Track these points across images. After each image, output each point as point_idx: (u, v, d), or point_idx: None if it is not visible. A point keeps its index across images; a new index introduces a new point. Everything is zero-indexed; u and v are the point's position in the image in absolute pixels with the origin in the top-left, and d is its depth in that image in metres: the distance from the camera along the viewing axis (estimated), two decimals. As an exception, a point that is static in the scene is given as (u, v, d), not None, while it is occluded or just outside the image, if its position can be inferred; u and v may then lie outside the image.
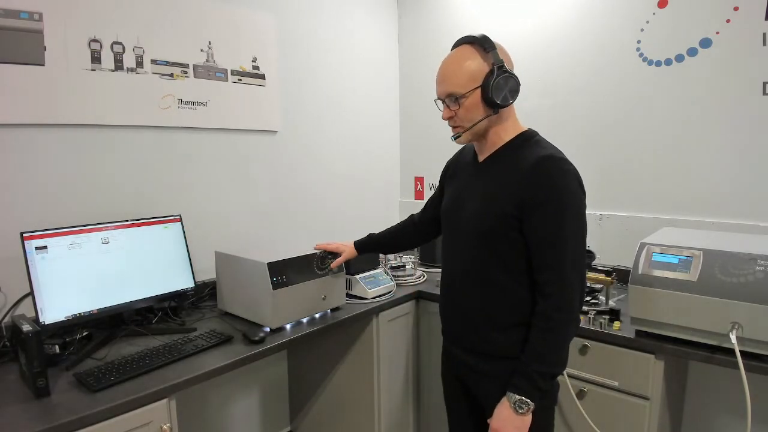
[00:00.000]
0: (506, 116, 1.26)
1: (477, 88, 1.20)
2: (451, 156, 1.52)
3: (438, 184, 1.58)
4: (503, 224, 1.21)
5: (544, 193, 1.16)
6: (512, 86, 1.21)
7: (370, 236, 1.80)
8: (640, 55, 2.09)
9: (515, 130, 1.28)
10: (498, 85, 1.18)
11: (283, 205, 2.39)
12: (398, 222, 1.79)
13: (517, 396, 1.17)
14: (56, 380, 1.31)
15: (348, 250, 1.80)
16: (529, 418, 1.19)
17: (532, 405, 1.17)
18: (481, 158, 1.32)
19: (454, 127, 1.28)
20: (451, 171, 1.48)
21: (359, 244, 1.80)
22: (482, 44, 1.20)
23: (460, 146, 1.46)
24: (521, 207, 1.18)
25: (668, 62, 2.02)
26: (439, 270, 2.36)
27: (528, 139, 1.26)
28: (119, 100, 1.78)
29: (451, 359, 1.44)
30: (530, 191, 1.17)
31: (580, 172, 1.20)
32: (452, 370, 1.45)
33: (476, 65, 1.20)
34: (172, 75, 1.91)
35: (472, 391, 1.38)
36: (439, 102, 1.28)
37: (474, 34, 1.23)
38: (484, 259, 1.26)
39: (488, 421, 1.25)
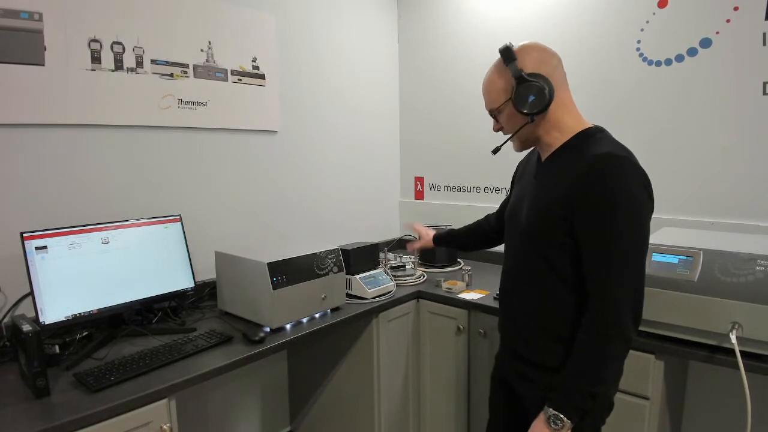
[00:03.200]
0: (556, 116, 1.19)
1: (508, 100, 1.18)
2: (521, 158, 1.46)
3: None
4: (553, 226, 1.14)
5: (594, 192, 1.06)
6: (536, 92, 1.14)
7: (449, 231, 1.92)
8: (640, 55, 2.09)
9: (576, 128, 1.19)
10: (520, 96, 1.15)
11: (283, 205, 2.39)
12: (476, 220, 1.83)
13: (552, 411, 1.09)
14: (56, 380, 1.31)
15: (426, 239, 1.98)
16: None
17: (567, 422, 1.08)
18: (543, 159, 1.26)
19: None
20: (519, 173, 1.42)
21: (437, 236, 1.94)
22: (503, 58, 1.18)
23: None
24: (570, 207, 1.10)
25: (668, 62, 2.02)
26: (439, 270, 2.43)
27: (590, 136, 1.17)
28: (119, 100, 1.78)
29: (502, 362, 1.39)
30: (580, 190, 1.08)
31: None
32: (500, 373, 1.40)
33: (502, 79, 1.19)
34: (172, 75, 1.91)
35: (524, 402, 1.29)
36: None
37: (500, 46, 1.19)
38: (536, 264, 1.19)
39: None
